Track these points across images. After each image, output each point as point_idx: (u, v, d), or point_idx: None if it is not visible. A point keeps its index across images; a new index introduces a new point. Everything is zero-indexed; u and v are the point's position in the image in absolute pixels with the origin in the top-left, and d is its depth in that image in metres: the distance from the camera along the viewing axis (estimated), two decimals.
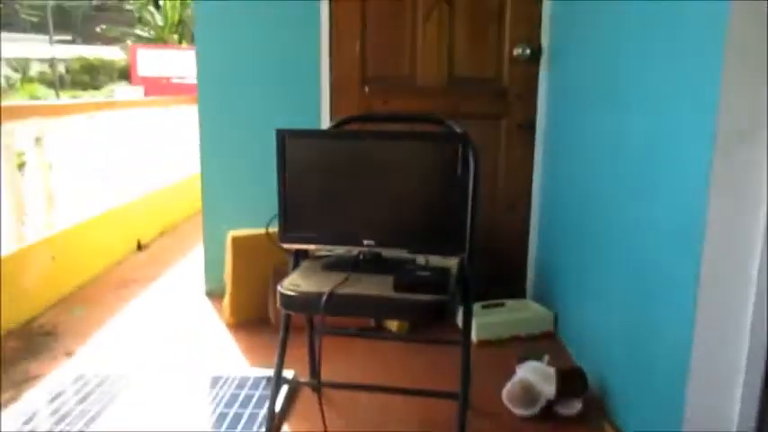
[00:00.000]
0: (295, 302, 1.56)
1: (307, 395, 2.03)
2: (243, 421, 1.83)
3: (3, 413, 1.89)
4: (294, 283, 1.60)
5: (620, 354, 1.89)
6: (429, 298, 1.51)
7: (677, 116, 1.53)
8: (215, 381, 2.09)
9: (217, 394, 2.00)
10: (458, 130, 1.79)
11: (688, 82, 1.47)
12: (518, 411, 1.93)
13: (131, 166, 4.15)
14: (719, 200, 1.34)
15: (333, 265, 1.71)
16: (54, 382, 2.08)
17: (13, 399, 1.98)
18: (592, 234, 2.16)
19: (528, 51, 2.70)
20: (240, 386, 2.05)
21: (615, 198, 1.94)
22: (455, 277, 1.64)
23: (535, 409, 1.91)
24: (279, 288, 1.58)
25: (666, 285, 1.56)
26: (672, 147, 1.55)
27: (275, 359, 1.70)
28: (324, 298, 1.50)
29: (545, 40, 2.70)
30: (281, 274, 1.73)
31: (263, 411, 1.87)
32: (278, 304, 1.59)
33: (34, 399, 1.97)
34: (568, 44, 2.51)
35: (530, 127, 2.78)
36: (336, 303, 1.52)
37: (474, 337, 2.36)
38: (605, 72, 2.07)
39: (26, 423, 1.81)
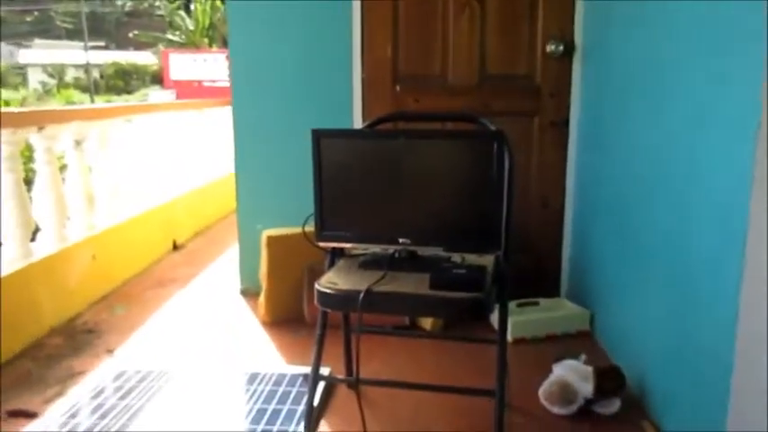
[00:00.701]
0: (332, 300, 1.58)
1: (343, 393, 2.05)
2: (281, 417, 1.86)
3: (49, 408, 1.95)
4: (331, 281, 1.61)
5: (659, 352, 1.86)
6: (466, 296, 1.51)
7: (719, 109, 1.50)
8: (253, 377, 2.12)
9: (255, 390, 2.03)
10: (492, 127, 1.78)
11: (731, 75, 1.45)
12: (556, 410, 1.91)
13: (166, 169, 4.23)
14: (762, 193, 1.31)
15: (369, 263, 1.72)
16: (97, 378, 2.14)
17: (59, 394, 2.04)
18: (630, 231, 2.13)
19: (561, 47, 2.67)
20: (277, 383, 2.08)
21: (655, 194, 1.92)
22: (491, 275, 1.63)
23: (573, 408, 1.89)
24: (316, 286, 1.60)
25: (710, 282, 1.53)
26: (713, 141, 1.53)
27: (312, 356, 1.72)
28: (361, 296, 1.51)
29: (578, 37, 2.68)
30: (315, 273, 1.75)
31: (301, 408, 1.89)
32: (315, 302, 1.61)
33: (78, 394, 2.02)
34: (603, 40, 2.48)
35: (563, 123, 2.76)
36: (373, 301, 1.53)
37: (509, 335, 2.35)
38: (643, 67, 2.04)
39: (71, 418, 1.87)
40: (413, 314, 2.40)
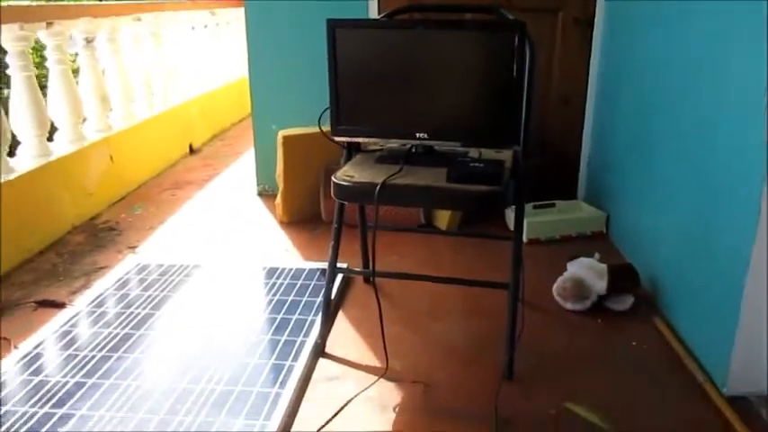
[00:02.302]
0: (349, 192, 1.58)
1: (359, 287, 2.09)
2: (300, 308, 1.91)
3: (76, 299, 2.02)
4: (348, 174, 1.60)
5: (675, 251, 1.86)
6: (483, 188, 1.50)
7: (747, 11, 1.42)
8: (271, 272, 2.17)
9: (274, 284, 2.08)
10: (512, 18, 1.70)
11: None
12: (569, 306, 1.94)
13: (180, 70, 4.15)
14: None
15: (385, 158, 1.70)
16: (120, 271, 2.20)
17: (85, 287, 2.11)
18: (650, 133, 2.08)
19: None
20: (296, 277, 2.12)
21: (678, 95, 1.85)
22: (508, 170, 1.61)
23: (586, 304, 1.92)
24: (333, 178, 1.59)
25: (731, 182, 1.50)
26: (741, 41, 1.45)
27: (329, 249, 1.74)
28: (378, 188, 1.51)
29: None
30: (331, 172, 1.74)
31: (319, 299, 1.94)
32: (332, 194, 1.61)
33: (103, 286, 2.08)
34: None
35: (587, 21, 2.63)
36: (390, 193, 1.52)
37: (524, 236, 2.35)
38: None
39: (97, 307, 1.94)
40: (429, 206, 2.40)
